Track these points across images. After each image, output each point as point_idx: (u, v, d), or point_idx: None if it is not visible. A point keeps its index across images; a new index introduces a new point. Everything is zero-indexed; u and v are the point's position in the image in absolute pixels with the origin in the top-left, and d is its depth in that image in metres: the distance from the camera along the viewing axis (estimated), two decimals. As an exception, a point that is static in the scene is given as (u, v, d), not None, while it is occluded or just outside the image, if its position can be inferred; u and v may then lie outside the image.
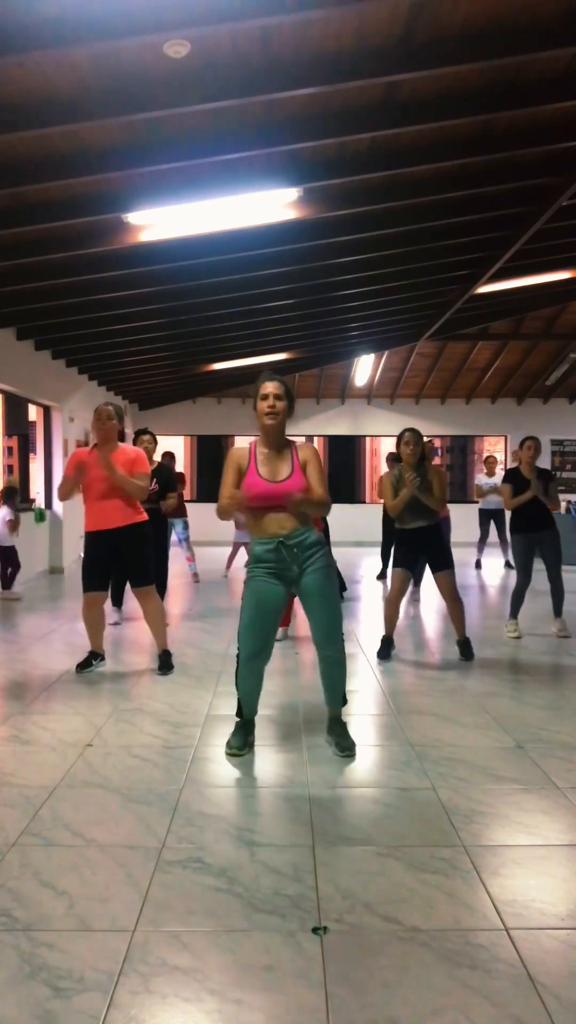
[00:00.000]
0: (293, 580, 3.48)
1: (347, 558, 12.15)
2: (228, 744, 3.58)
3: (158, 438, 7.02)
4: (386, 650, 5.50)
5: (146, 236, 6.04)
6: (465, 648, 5.45)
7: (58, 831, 2.74)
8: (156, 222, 5.87)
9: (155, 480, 6.41)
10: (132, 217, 5.65)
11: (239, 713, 3.67)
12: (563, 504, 12.33)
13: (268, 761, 3.46)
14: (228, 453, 3.59)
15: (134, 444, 6.48)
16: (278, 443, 3.53)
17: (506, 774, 3.29)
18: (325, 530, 7.33)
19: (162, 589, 6.92)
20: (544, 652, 5.71)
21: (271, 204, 5.72)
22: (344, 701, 3.67)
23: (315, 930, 2.14)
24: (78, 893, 2.33)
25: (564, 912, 2.24)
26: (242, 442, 3.97)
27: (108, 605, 6.57)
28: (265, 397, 3.46)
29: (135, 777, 3.24)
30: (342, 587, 7.98)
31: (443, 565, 5.42)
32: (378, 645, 5.59)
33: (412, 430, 5.40)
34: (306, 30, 3.78)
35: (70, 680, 4.82)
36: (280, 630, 5.75)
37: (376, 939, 2.10)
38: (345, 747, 3.53)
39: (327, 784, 3.18)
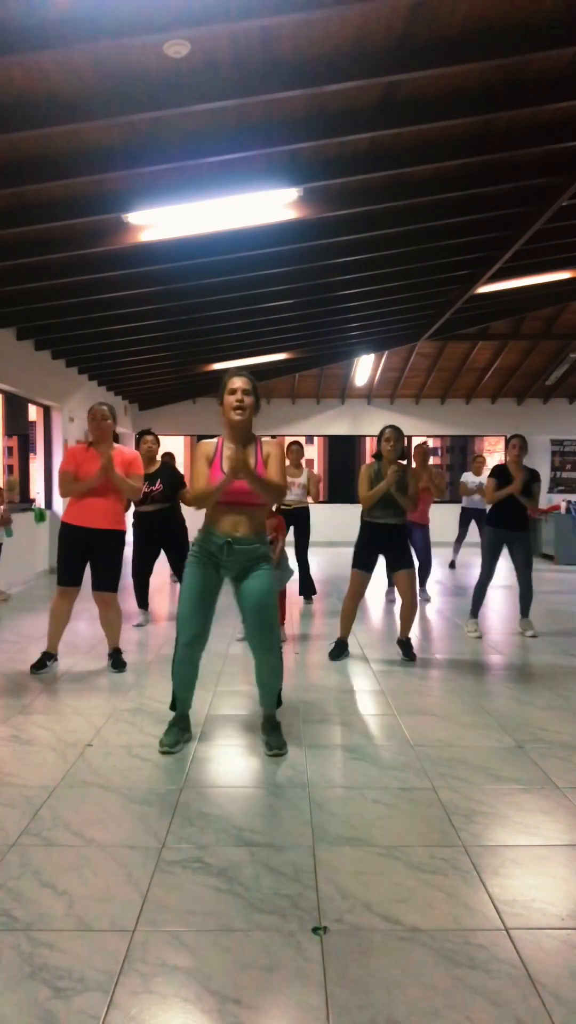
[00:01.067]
0: (232, 577, 3.50)
1: (345, 559, 12.15)
2: (160, 742, 3.55)
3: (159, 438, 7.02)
4: (338, 652, 5.36)
5: (146, 236, 6.04)
6: (406, 648, 5.41)
7: (58, 831, 2.74)
8: (156, 222, 5.87)
9: (159, 480, 6.41)
10: (132, 217, 5.65)
11: (173, 706, 3.66)
12: (563, 504, 12.32)
13: (268, 761, 3.46)
14: (196, 446, 3.60)
15: (137, 444, 6.48)
16: (244, 439, 3.53)
17: (506, 774, 3.29)
18: (306, 534, 7.47)
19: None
20: (543, 652, 5.71)
21: (271, 204, 5.72)
22: (278, 703, 3.69)
23: (315, 930, 2.14)
24: (78, 893, 2.33)
25: (564, 912, 2.24)
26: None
27: (133, 607, 6.60)
28: (233, 392, 3.44)
29: (135, 777, 3.24)
30: (312, 591, 8.00)
31: (404, 564, 5.31)
32: (373, 647, 5.55)
33: (393, 427, 5.36)
34: (306, 30, 3.78)
35: (70, 680, 4.82)
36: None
37: (376, 939, 2.10)
38: (275, 746, 3.54)
39: (327, 784, 3.18)
